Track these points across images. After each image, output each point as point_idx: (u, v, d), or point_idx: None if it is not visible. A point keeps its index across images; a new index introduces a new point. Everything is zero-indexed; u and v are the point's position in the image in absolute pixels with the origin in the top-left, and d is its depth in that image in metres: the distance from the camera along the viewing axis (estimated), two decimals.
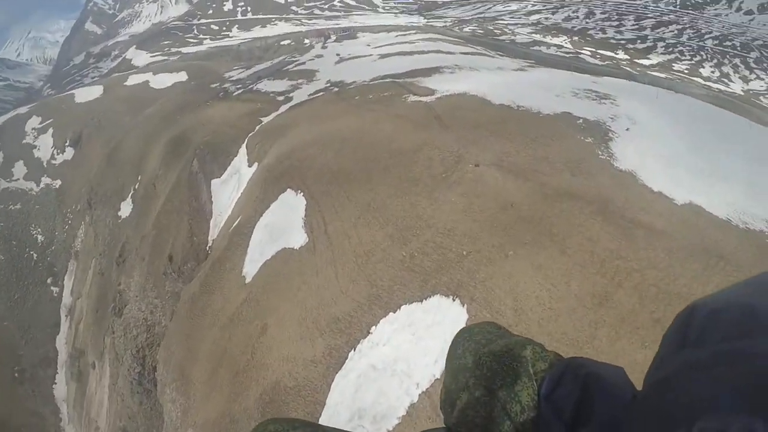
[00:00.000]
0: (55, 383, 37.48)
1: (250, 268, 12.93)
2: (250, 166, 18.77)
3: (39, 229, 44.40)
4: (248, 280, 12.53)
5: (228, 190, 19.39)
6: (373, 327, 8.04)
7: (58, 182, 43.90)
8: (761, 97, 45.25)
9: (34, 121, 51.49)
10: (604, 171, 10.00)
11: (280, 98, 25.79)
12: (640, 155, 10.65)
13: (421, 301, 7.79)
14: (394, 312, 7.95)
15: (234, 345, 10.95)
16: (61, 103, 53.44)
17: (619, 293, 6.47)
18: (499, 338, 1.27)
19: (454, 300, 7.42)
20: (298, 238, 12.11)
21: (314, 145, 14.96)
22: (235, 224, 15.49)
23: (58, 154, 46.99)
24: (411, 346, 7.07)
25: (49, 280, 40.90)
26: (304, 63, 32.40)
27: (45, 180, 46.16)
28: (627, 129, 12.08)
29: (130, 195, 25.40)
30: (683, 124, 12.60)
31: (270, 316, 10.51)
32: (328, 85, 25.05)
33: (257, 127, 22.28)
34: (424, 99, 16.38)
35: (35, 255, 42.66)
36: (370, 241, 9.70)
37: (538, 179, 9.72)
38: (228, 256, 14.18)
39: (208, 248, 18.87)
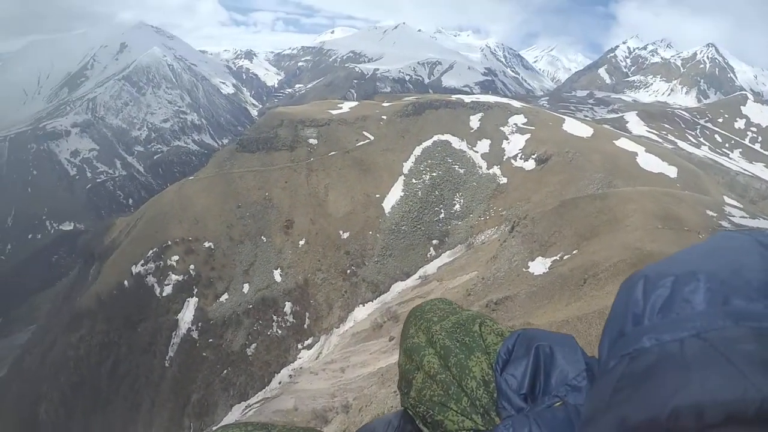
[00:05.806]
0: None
1: None
2: None
3: (461, 200, 49.99)
4: None
5: None
6: None
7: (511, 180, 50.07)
8: None
9: (518, 119, 53.79)
10: None
11: None
12: None
13: None
14: None
15: None
16: (550, 120, 57.30)
17: None
18: (451, 314, 1.24)
19: None
20: None
21: None
22: None
23: (520, 158, 52.31)
24: None
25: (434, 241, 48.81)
26: None
27: (528, 163, 49.87)
28: None
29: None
30: None
31: None
32: None
33: None
34: None
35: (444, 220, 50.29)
36: None
37: None
38: None
39: None
